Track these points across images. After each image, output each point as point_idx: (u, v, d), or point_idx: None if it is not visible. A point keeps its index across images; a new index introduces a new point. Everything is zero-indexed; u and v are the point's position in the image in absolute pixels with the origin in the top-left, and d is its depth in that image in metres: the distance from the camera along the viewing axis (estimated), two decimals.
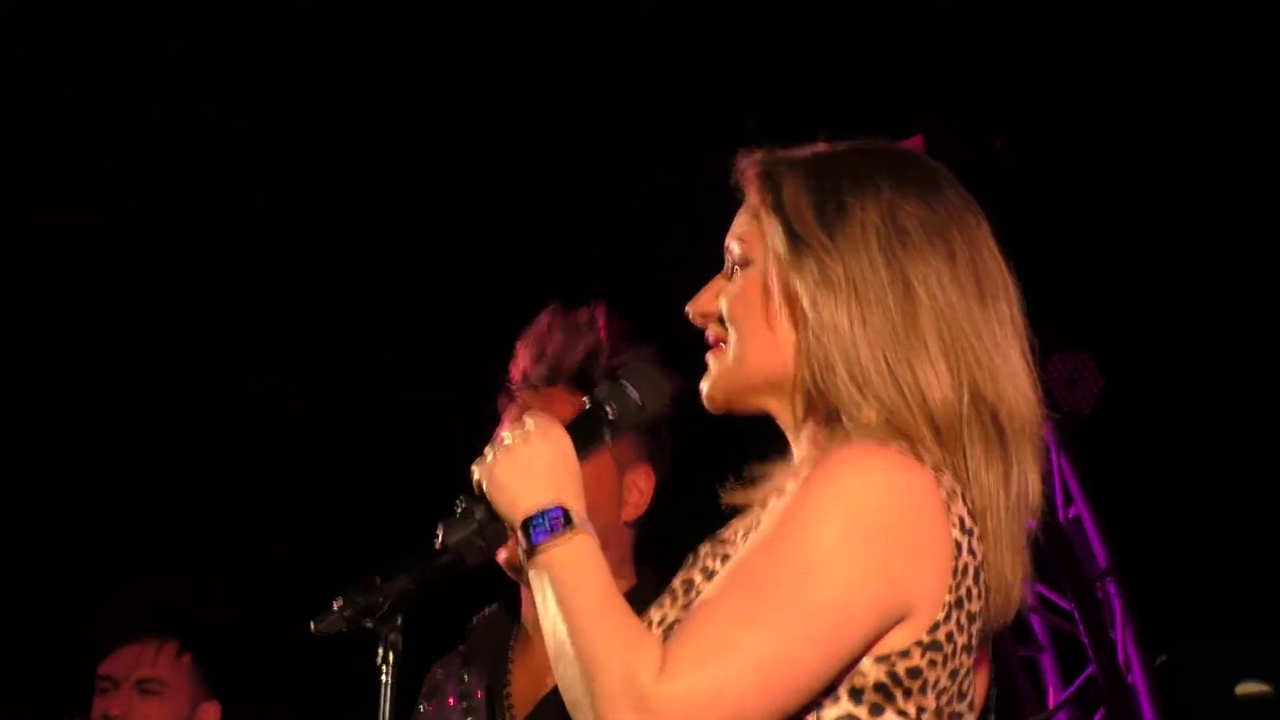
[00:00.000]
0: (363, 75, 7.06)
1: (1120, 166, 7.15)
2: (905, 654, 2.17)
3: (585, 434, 2.40)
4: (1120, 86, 7.08)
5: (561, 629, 2.16)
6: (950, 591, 2.19)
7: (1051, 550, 7.25)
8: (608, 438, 2.45)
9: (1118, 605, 7.30)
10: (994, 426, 2.25)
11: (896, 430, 2.22)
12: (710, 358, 2.38)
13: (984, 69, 7.12)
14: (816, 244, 2.26)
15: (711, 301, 2.37)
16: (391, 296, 6.97)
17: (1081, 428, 7.35)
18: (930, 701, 2.19)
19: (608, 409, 2.45)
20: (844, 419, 2.25)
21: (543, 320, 3.30)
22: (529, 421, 2.31)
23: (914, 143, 7.19)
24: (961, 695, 2.24)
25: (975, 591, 2.21)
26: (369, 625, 2.56)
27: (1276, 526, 6.94)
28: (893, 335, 2.22)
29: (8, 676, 6.47)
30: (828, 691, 2.16)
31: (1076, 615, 7.23)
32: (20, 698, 6.29)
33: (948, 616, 2.18)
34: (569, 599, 2.16)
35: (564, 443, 2.29)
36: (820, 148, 2.37)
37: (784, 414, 2.34)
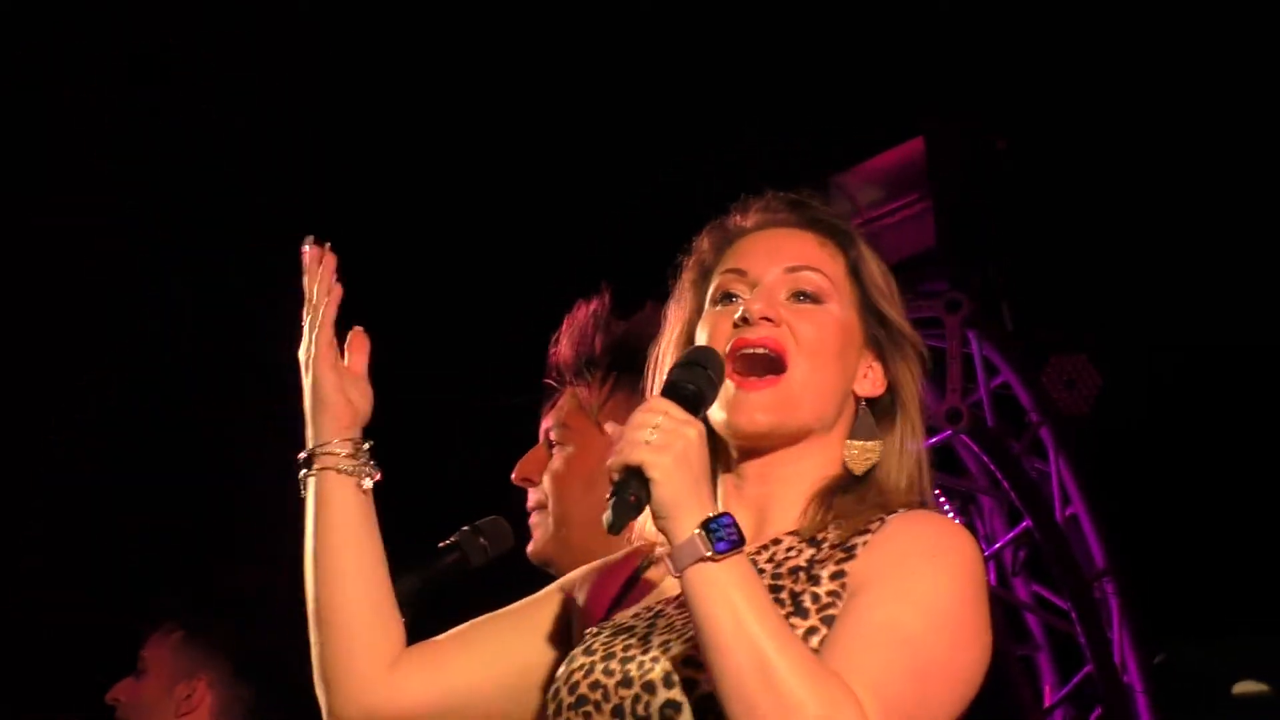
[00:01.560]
0: (364, 76, 7.07)
1: (1119, 169, 7.16)
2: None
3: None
4: (1120, 88, 7.09)
5: (749, 648, 2.16)
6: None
7: (1049, 550, 7.27)
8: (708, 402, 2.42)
9: (1115, 605, 7.31)
10: None
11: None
12: (773, 384, 2.42)
13: (985, 69, 7.12)
14: (891, 328, 2.49)
15: (778, 310, 2.43)
16: (392, 296, 6.97)
17: (1079, 429, 7.36)
18: None
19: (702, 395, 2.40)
20: (876, 487, 2.47)
21: (579, 313, 3.29)
22: (672, 411, 2.26)
23: (916, 143, 7.22)
24: None
25: None
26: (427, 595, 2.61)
27: (1273, 527, 6.94)
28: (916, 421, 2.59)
29: (8, 676, 6.48)
30: None
31: (1073, 615, 7.24)
32: (21, 698, 6.30)
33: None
34: (754, 618, 2.17)
35: (702, 444, 2.29)
36: (857, 229, 2.55)
37: (805, 457, 2.44)
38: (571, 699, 2.31)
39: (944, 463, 7.44)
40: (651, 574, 2.49)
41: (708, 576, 2.17)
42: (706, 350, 2.40)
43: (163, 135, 6.97)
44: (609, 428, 2.45)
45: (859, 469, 2.45)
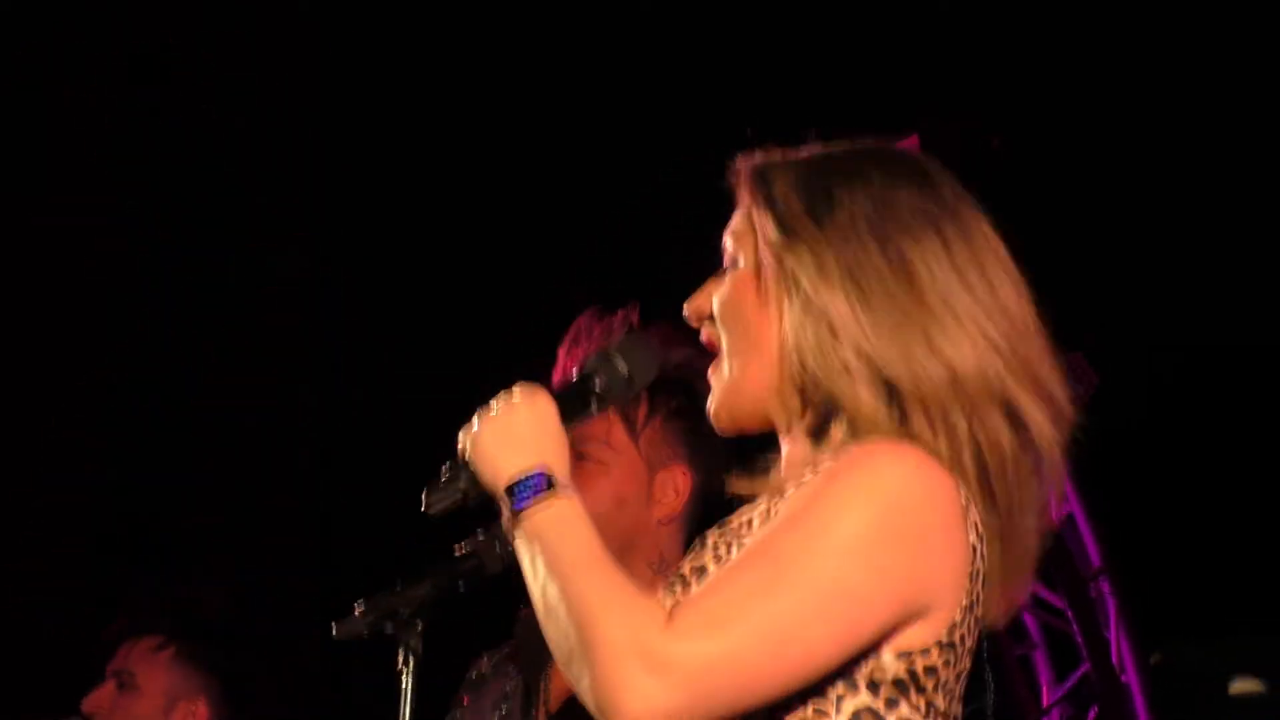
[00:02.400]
0: (364, 78, 7.08)
1: (1115, 168, 7.17)
2: (925, 652, 2.17)
3: (571, 403, 2.38)
4: (1116, 87, 7.10)
5: (551, 588, 2.11)
6: (967, 595, 2.19)
7: (1045, 549, 7.27)
8: (594, 409, 2.45)
9: (1111, 604, 7.31)
10: (1016, 421, 2.24)
11: (904, 430, 2.19)
12: (711, 375, 2.35)
13: (980, 67, 7.13)
14: (807, 234, 2.24)
15: (705, 301, 2.35)
16: (393, 296, 6.99)
17: (1075, 427, 7.36)
18: (940, 701, 2.20)
19: (595, 380, 2.45)
20: (843, 411, 2.22)
21: (580, 323, 3.29)
22: (515, 391, 2.29)
23: (910, 142, 7.22)
24: (959, 697, 2.25)
25: (982, 597, 2.23)
26: (390, 631, 2.58)
27: (1269, 525, 6.96)
28: (901, 313, 2.19)
29: (8, 676, 6.49)
30: (849, 682, 2.15)
31: (1070, 614, 7.24)
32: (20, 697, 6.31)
33: (963, 620, 2.19)
34: (556, 557, 2.12)
35: (548, 410, 2.26)
36: (814, 148, 2.37)
37: (779, 413, 2.29)
38: None
39: None
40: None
41: (518, 535, 2.18)
42: (628, 342, 2.41)
43: (163, 135, 6.98)
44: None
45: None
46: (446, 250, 6.96)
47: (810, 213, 2.25)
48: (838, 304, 2.19)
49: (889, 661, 2.15)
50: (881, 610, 2.11)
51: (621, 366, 2.45)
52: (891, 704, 2.15)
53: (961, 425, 2.19)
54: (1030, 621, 7.48)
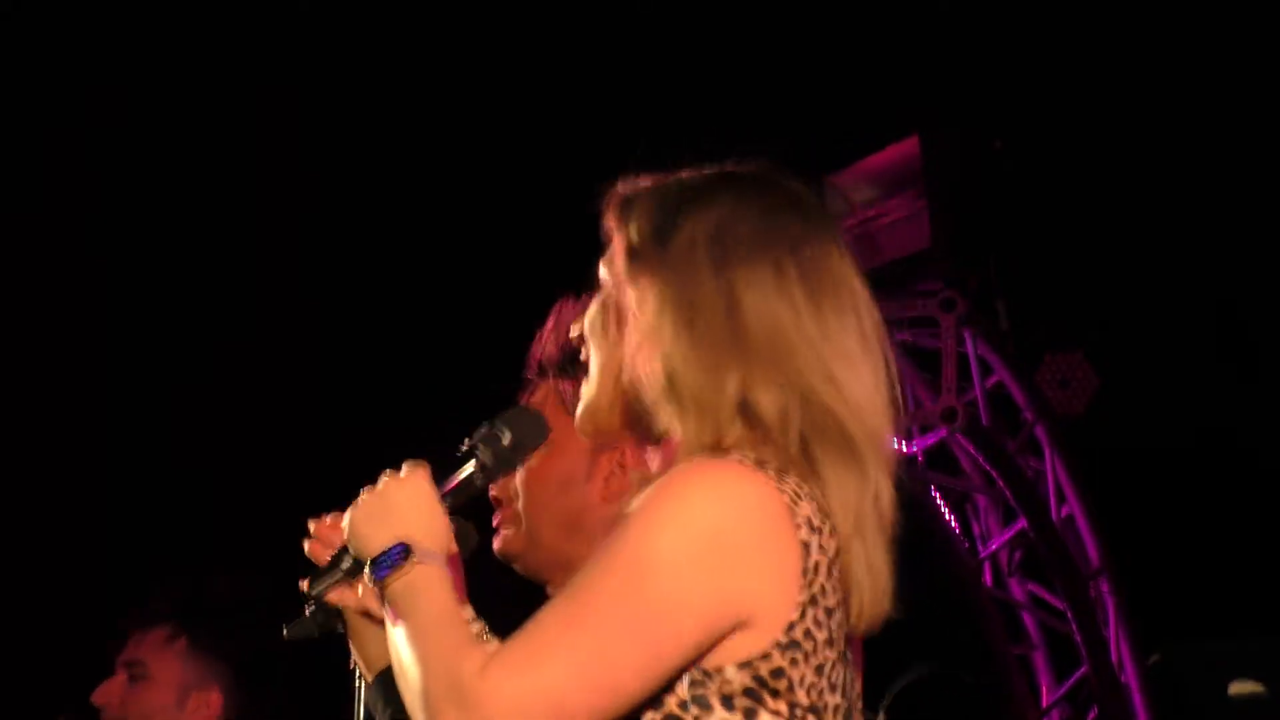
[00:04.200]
0: (365, 78, 7.08)
1: (1114, 168, 7.17)
2: (766, 657, 2.22)
3: (453, 477, 2.50)
4: (1115, 87, 7.10)
5: (402, 649, 2.25)
6: (803, 590, 2.23)
7: (1044, 550, 7.27)
8: (479, 483, 2.53)
9: (1111, 604, 7.31)
10: (839, 434, 2.28)
11: (725, 446, 2.27)
12: (583, 385, 2.44)
13: (980, 69, 7.13)
14: (649, 259, 2.33)
15: (580, 325, 2.45)
16: (394, 296, 6.99)
17: (1074, 428, 7.37)
18: (803, 697, 2.24)
19: (480, 454, 2.53)
20: (670, 433, 2.31)
21: (558, 307, 3.29)
22: (400, 469, 2.42)
23: (910, 142, 7.22)
24: (832, 687, 2.28)
25: (830, 587, 2.26)
26: (341, 630, 2.62)
27: (1269, 526, 6.96)
28: (717, 345, 2.27)
29: (9, 676, 6.48)
30: (702, 703, 2.22)
31: (1069, 614, 7.24)
32: (20, 697, 6.31)
33: (803, 615, 2.23)
34: (406, 621, 2.26)
35: (421, 486, 2.39)
36: (682, 173, 2.46)
37: (628, 430, 2.39)
38: None
39: (939, 462, 7.45)
40: None
41: (386, 603, 2.31)
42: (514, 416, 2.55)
43: (162, 135, 6.98)
44: None
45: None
46: (449, 252, 6.96)
47: (655, 239, 2.35)
48: (665, 331, 2.29)
49: (733, 674, 2.22)
50: (692, 630, 2.18)
51: (507, 438, 2.54)
52: (750, 713, 2.22)
53: (784, 445, 2.27)
54: (1030, 622, 7.48)
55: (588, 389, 2.40)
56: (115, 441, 6.95)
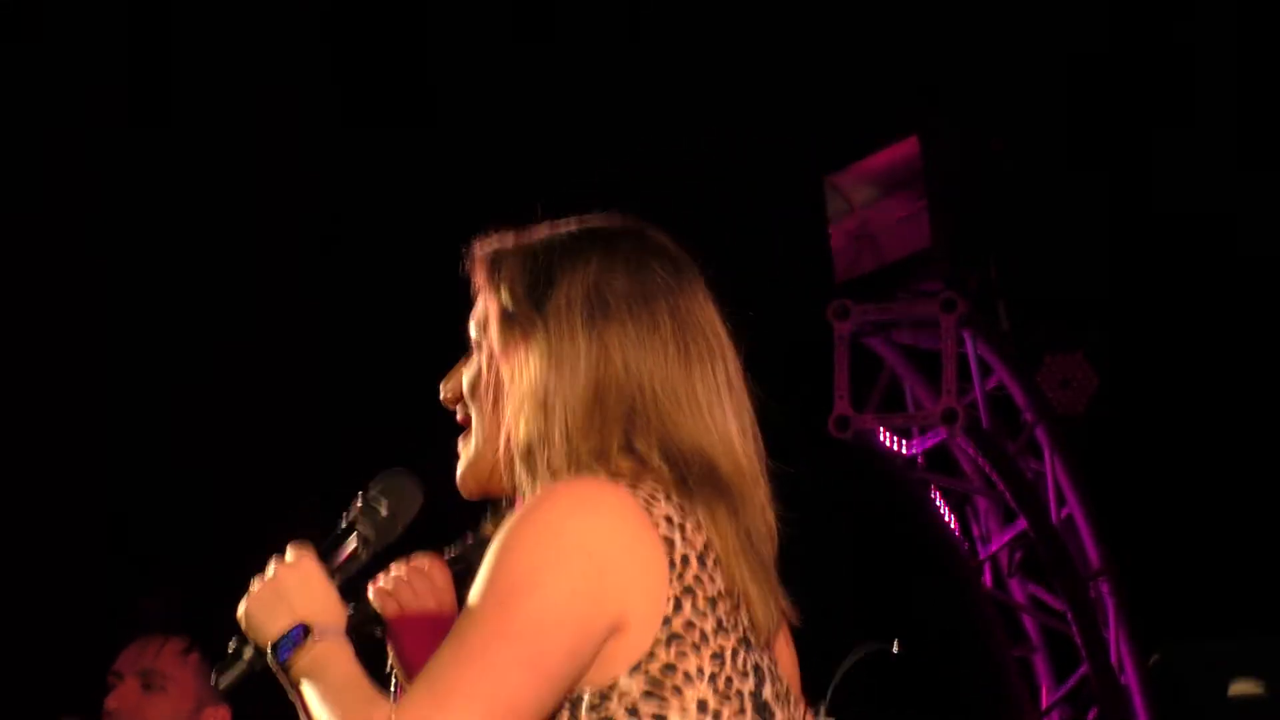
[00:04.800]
0: (365, 78, 7.08)
1: (1114, 168, 7.16)
2: (651, 655, 2.25)
3: (340, 554, 2.54)
4: (1115, 88, 7.10)
5: None
6: (672, 584, 2.27)
7: (1044, 551, 7.27)
8: (363, 555, 2.56)
9: (1110, 605, 7.31)
10: (710, 472, 2.34)
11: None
12: (460, 443, 2.48)
13: (980, 69, 7.13)
14: (523, 317, 2.39)
15: (457, 383, 2.48)
16: (394, 296, 6.99)
17: (1074, 429, 7.37)
18: (705, 690, 2.27)
19: (359, 530, 2.57)
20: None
21: None
22: (285, 556, 2.48)
23: (910, 143, 7.22)
24: (743, 675, 2.31)
25: (707, 576, 2.29)
26: (379, 635, 2.65)
27: (1269, 526, 6.95)
28: (585, 401, 2.35)
29: (9, 676, 6.48)
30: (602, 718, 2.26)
31: (1069, 615, 7.24)
32: (21, 697, 6.30)
33: (678, 607, 2.26)
34: (313, 693, 2.34)
35: (309, 568, 2.45)
36: (544, 229, 2.49)
37: (511, 484, 2.42)
38: None
39: (939, 463, 7.45)
40: None
41: (288, 684, 2.37)
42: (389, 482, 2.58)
43: (162, 134, 6.99)
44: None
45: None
46: (443, 251, 6.95)
47: (530, 296, 2.40)
48: (538, 386, 2.36)
49: (626, 684, 2.25)
50: (567, 639, 2.23)
51: (384, 509, 2.57)
52: (658, 718, 2.25)
53: (662, 479, 2.33)
54: (1030, 623, 7.48)
55: (469, 451, 2.45)
56: (115, 442, 6.95)
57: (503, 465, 2.40)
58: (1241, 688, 6.71)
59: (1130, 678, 7.26)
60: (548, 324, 2.37)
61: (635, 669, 2.24)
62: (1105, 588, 7.33)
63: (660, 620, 2.25)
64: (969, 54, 7.08)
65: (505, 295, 2.41)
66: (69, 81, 6.82)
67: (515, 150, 6.88)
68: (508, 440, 2.39)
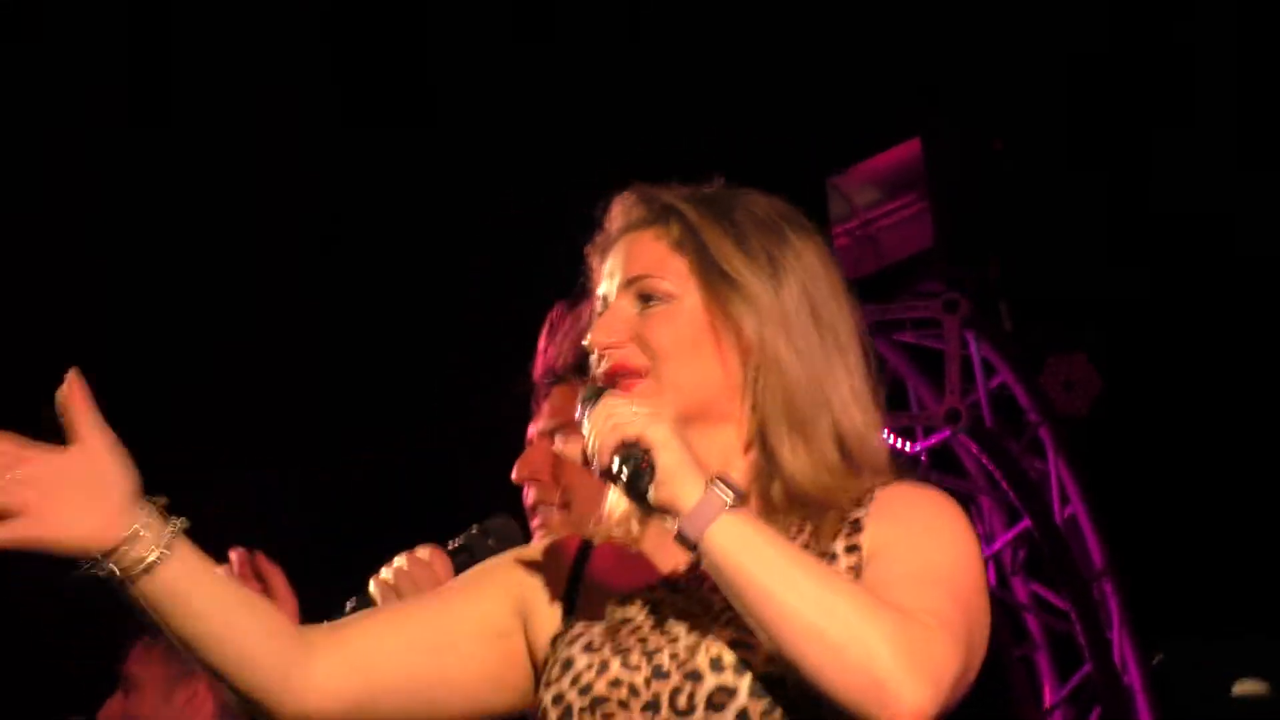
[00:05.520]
0: (365, 78, 7.08)
1: (1114, 168, 7.16)
2: None
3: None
4: (1115, 88, 7.09)
5: (810, 590, 2.14)
6: None
7: (1048, 550, 7.27)
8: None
9: (1114, 605, 7.31)
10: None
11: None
12: (631, 390, 2.34)
13: (982, 70, 7.12)
14: (753, 284, 2.36)
15: (625, 331, 2.37)
16: (394, 296, 6.99)
17: (1078, 428, 7.36)
18: None
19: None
20: (779, 449, 2.34)
21: (553, 315, 3.26)
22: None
23: (912, 144, 7.22)
24: None
25: None
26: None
27: (1272, 526, 6.95)
28: (822, 368, 2.37)
29: (10, 676, 6.48)
30: None
31: (1073, 615, 7.24)
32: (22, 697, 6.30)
33: None
34: (797, 563, 2.19)
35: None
36: (704, 189, 2.45)
37: (714, 444, 2.34)
38: (585, 701, 2.25)
39: (943, 463, 7.44)
40: (601, 565, 2.42)
41: (735, 532, 2.15)
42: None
43: (162, 134, 6.98)
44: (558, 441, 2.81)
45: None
46: (451, 253, 6.96)
47: (750, 264, 2.38)
48: (782, 353, 2.35)
49: None
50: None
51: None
52: None
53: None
54: (1032, 623, 7.48)
55: (669, 393, 2.34)
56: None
57: (702, 417, 2.34)
58: (1245, 688, 6.71)
59: (1133, 677, 7.26)
60: (778, 291, 2.37)
61: None
62: (1108, 587, 7.32)
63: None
64: (969, 55, 7.08)
65: (721, 258, 2.37)
66: (69, 81, 6.81)
67: (515, 150, 6.88)
68: (728, 396, 2.35)
